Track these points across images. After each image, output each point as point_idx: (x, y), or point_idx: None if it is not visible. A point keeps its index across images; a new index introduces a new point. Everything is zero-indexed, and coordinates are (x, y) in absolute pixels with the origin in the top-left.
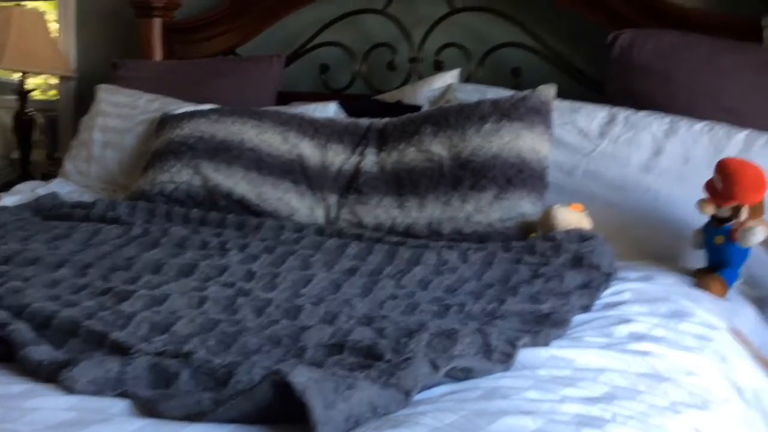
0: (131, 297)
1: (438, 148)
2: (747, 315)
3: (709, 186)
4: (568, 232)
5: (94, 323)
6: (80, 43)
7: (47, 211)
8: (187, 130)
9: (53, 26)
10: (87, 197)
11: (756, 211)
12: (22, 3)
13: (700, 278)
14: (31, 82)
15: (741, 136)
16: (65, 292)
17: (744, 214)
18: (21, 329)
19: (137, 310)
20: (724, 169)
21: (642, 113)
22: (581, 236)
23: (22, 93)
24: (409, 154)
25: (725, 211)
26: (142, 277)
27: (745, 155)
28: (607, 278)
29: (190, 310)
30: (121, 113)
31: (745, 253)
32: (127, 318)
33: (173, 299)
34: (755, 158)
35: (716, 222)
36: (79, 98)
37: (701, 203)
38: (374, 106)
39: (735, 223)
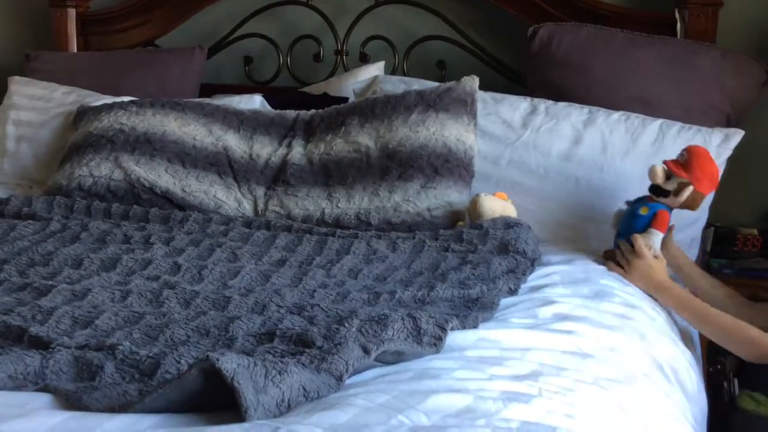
0: (51, 292)
1: (365, 138)
2: None
3: (669, 162)
4: (494, 220)
5: (12, 318)
6: None
7: None
8: (106, 122)
9: None
10: (1, 193)
11: (693, 202)
12: None
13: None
14: None
15: (655, 125)
16: None
17: (686, 194)
18: None
19: (57, 305)
20: (695, 149)
21: (562, 104)
22: (507, 223)
23: None
24: (337, 146)
25: (672, 182)
26: (62, 272)
27: (660, 143)
28: (532, 263)
29: (113, 304)
30: (36, 106)
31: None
32: (47, 313)
33: (95, 293)
34: (669, 146)
35: (652, 192)
36: None
37: (653, 168)
38: (300, 98)
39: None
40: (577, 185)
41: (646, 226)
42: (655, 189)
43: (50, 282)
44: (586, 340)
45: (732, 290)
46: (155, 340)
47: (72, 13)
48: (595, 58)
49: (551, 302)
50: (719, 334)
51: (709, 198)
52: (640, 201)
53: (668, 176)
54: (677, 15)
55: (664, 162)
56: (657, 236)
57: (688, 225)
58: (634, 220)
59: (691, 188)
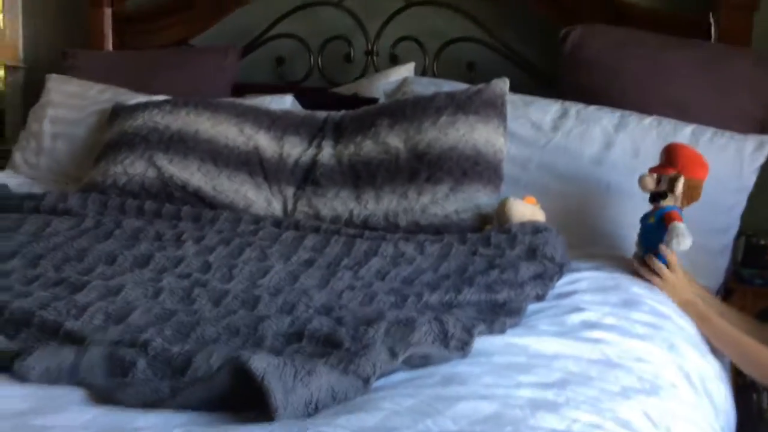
0: (85, 288)
1: (394, 140)
2: None
3: (654, 167)
4: (523, 225)
5: (47, 314)
6: (28, 33)
7: None
8: (141, 120)
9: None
10: (37, 189)
11: (692, 191)
12: None
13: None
14: None
15: (688, 130)
16: (16, 283)
17: (680, 186)
18: None
19: (92, 301)
20: (670, 146)
21: (593, 108)
22: (535, 228)
23: None
24: (366, 147)
25: (664, 183)
26: (96, 268)
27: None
28: (560, 269)
29: (145, 301)
30: (72, 104)
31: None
32: (82, 308)
33: (128, 290)
34: (702, 151)
35: (653, 201)
36: (28, 89)
37: (641, 178)
38: (331, 98)
39: (668, 209)
40: (608, 190)
41: (658, 233)
42: (652, 197)
43: (85, 278)
44: (614, 349)
45: (744, 314)
46: (187, 337)
47: (108, 12)
48: (627, 62)
49: (579, 309)
50: (738, 356)
51: (740, 205)
52: (647, 215)
53: (659, 180)
54: (711, 18)
55: (649, 169)
56: (678, 226)
57: (719, 233)
58: (647, 233)
59: (682, 178)
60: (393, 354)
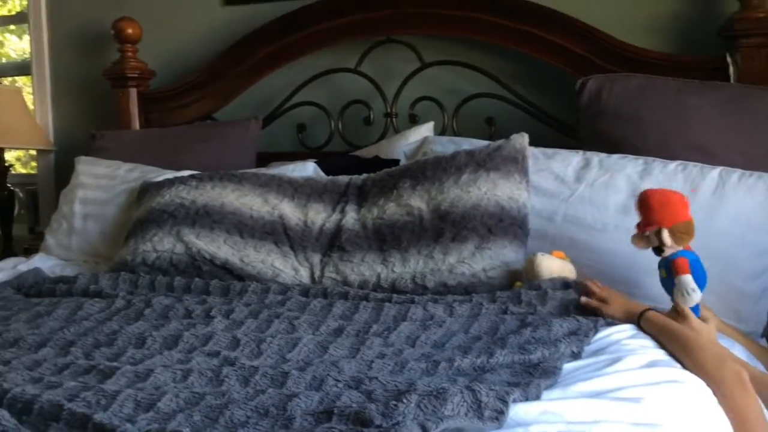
0: (115, 374)
1: (417, 201)
2: (736, 353)
3: (635, 228)
4: (553, 280)
5: (76, 405)
6: (57, 116)
7: (29, 287)
8: (168, 197)
9: (30, 99)
10: (69, 270)
11: (682, 235)
12: None
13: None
14: (10, 155)
15: (715, 173)
16: (47, 372)
17: (665, 237)
18: (1, 417)
19: (121, 388)
20: (637, 199)
21: (616, 156)
22: (565, 284)
23: (1, 169)
24: (389, 209)
25: (653, 240)
26: (126, 352)
27: (720, 192)
28: (595, 324)
29: (174, 385)
30: (101, 184)
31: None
32: (111, 397)
33: (157, 374)
34: (730, 194)
35: (658, 254)
36: (59, 171)
37: (633, 239)
38: (352, 162)
39: (671, 256)
40: None
41: (671, 284)
42: (654, 251)
43: (114, 363)
44: (656, 409)
45: None
46: (215, 422)
47: (133, 92)
48: (647, 108)
49: (616, 366)
50: None
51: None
52: (659, 267)
53: (647, 238)
54: (729, 59)
55: (636, 226)
56: (683, 279)
57: (756, 276)
58: (665, 284)
59: (664, 231)
60: (425, 430)
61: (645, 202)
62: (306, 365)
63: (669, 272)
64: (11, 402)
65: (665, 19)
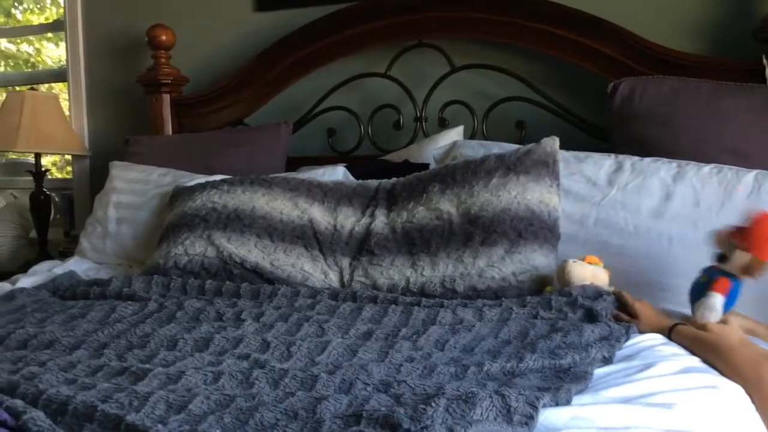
0: (147, 376)
1: (446, 205)
2: None
3: (730, 227)
4: (584, 288)
5: (109, 406)
6: (92, 122)
7: (64, 290)
8: (199, 201)
9: (66, 105)
10: (103, 274)
11: (752, 269)
12: (36, 86)
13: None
14: (47, 159)
15: (750, 176)
16: (81, 374)
17: (744, 261)
18: (36, 418)
19: (153, 390)
20: (755, 215)
21: (648, 159)
22: (597, 293)
23: (38, 173)
24: (419, 213)
25: (731, 250)
26: (158, 354)
27: (755, 196)
28: (627, 330)
29: (205, 387)
30: (135, 189)
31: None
32: (143, 398)
33: (189, 376)
34: (766, 198)
35: (717, 260)
36: (94, 175)
37: (719, 233)
38: (382, 166)
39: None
40: (670, 243)
41: (701, 291)
42: (718, 254)
43: (147, 365)
44: (689, 414)
45: None
46: (245, 424)
47: (167, 98)
48: (680, 110)
49: (648, 372)
50: None
51: None
52: (706, 269)
53: (729, 242)
54: (765, 61)
55: (730, 228)
56: (714, 297)
57: None
58: (696, 289)
59: (746, 255)
60: None
61: (760, 224)
62: (335, 368)
63: (708, 284)
64: (46, 403)
65: (700, 22)
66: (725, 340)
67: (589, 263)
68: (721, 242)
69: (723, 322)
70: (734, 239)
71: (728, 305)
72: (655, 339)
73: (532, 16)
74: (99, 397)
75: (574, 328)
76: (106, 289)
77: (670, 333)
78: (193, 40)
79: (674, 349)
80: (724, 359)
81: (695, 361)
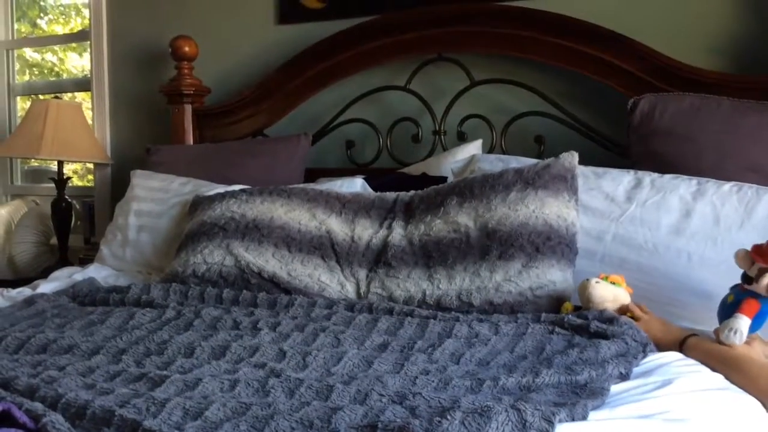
0: (164, 382)
1: (464, 218)
2: None
3: (754, 246)
4: (601, 313)
5: (127, 412)
6: (115, 130)
7: (84, 296)
8: (219, 211)
9: (88, 114)
10: (122, 281)
11: None
12: (60, 95)
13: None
14: (69, 167)
15: None
16: (100, 379)
17: (765, 280)
18: (56, 421)
19: (170, 396)
20: None
21: (668, 176)
22: (611, 320)
23: (60, 181)
24: (436, 226)
25: (755, 268)
26: (175, 361)
27: None
28: (644, 348)
29: (221, 395)
30: (155, 197)
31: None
32: (161, 404)
33: (205, 383)
34: None
35: (744, 281)
36: (115, 183)
37: (737, 252)
38: (400, 179)
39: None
40: (689, 260)
41: (729, 312)
42: (743, 277)
43: (164, 372)
44: (704, 429)
45: None
46: None
47: (188, 109)
48: (701, 127)
49: (665, 388)
50: None
51: None
52: (733, 288)
53: (753, 261)
54: None
55: (753, 246)
56: (741, 319)
57: None
58: (723, 309)
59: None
60: None
61: None
62: (351, 379)
63: (736, 305)
64: (65, 407)
65: (721, 39)
66: (745, 353)
67: (612, 283)
68: (743, 261)
69: (746, 344)
70: (756, 258)
71: (755, 327)
72: (672, 355)
73: (552, 31)
74: (117, 402)
75: (591, 344)
76: (125, 296)
77: (681, 346)
78: (215, 51)
79: (693, 366)
80: (742, 371)
81: (714, 378)
